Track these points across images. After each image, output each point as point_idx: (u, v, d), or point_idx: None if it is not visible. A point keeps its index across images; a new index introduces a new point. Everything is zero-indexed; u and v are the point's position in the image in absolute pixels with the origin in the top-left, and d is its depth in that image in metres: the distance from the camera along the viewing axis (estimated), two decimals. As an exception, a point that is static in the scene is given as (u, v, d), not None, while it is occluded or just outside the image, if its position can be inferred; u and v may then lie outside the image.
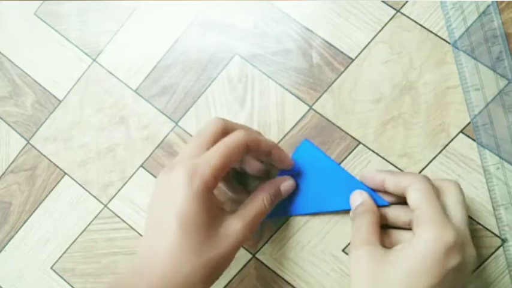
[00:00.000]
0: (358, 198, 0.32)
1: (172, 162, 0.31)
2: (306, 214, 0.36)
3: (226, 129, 0.31)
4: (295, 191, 0.35)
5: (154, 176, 0.39)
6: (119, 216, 0.40)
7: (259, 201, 0.32)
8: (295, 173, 0.35)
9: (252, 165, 0.35)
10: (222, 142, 0.30)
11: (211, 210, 0.29)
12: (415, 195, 0.28)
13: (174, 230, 0.27)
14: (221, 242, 0.29)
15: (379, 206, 0.32)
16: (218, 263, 0.29)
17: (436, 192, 0.29)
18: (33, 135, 0.42)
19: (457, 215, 0.28)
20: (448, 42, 0.35)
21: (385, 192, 0.32)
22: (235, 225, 0.29)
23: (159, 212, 0.29)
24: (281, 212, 0.36)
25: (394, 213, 0.31)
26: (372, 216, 0.30)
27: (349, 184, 0.34)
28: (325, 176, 0.35)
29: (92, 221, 0.40)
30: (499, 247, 0.33)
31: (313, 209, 0.35)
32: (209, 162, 0.28)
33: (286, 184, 0.34)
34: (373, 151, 0.35)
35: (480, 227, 0.34)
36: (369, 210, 0.31)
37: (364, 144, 0.36)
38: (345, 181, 0.34)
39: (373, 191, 0.33)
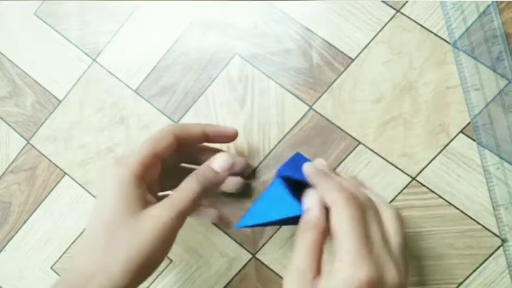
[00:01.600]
0: (308, 202, 0.28)
1: None
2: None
3: (177, 134, 0.31)
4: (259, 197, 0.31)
5: (154, 176, 0.39)
6: (119, 216, 0.40)
7: (185, 184, 0.30)
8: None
9: (231, 182, 0.35)
10: (148, 138, 0.31)
11: (134, 198, 0.28)
12: (336, 220, 0.25)
13: (91, 220, 0.28)
14: (140, 225, 0.27)
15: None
16: (138, 251, 0.26)
17: (367, 211, 0.26)
18: (33, 135, 0.42)
19: (395, 243, 0.26)
20: (448, 42, 0.35)
21: None
22: (154, 210, 0.28)
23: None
24: (248, 221, 0.31)
25: None
26: (316, 235, 0.26)
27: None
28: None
29: (92, 221, 0.40)
30: (499, 247, 0.33)
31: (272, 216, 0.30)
32: (135, 153, 0.29)
33: (219, 159, 0.32)
34: (373, 151, 0.35)
35: (480, 227, 0.34)
36: (314, 227, 0.26)
37: (364, 144, 0.36)
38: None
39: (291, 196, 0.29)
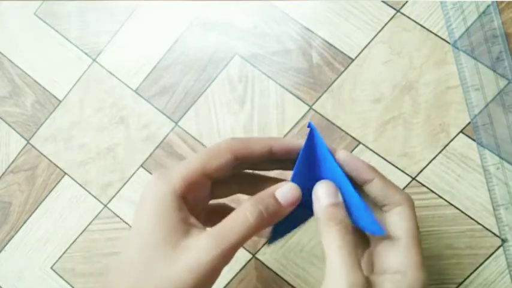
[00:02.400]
0: (330, 196, 0.25)
1: None
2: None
3: (236, 150, 0.26)
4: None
5: (154, 176, 0.39)
6: (118, 216, 0.40)
7: (239, 215, 0.24)
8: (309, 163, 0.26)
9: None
10: (201, 150, 0.26)
11: (172, 222, 0.23)
12: (403, 223, 0.24)
13: (129, 240, 0.24)
14: (179, 257, 0.23)
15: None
16: (175, 282, 0.22)
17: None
18: (33, 135, 0.42)
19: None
20: (448, 42, 0.35)
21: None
22: (201, 243, 0.23)
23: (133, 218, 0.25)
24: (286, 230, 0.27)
25: None
26: (346, 230, 0.24)
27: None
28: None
29: (92, 221, 0.40)
30: (499, 247, 0.33)
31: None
32: (182, 166, 0.25)
33: (285, 189, 0.25)
34: (373, 151, 0.35)
35: (480, 227, 0.34)
36: (341, 221, 0.24)
37: (364, 144, 0.36)
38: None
39: (372, 215, 0.25)
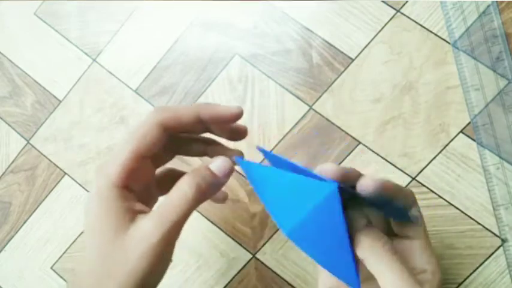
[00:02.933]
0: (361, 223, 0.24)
1: None
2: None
3: (166, 124, 0.26)
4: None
5: (154, 176, 0.39)
6: (118, 216, 0.40)
7: (179, 191, 0.24)
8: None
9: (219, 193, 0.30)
10: (129, 132, 0.25)
11: (117, 215, 0.24)
12: (424, 233, 0.25)
13: (85, 238, 0.25)
14: (129, 246, 0.23)
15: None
16: (131, 275, 0.23)
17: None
18: (33, 135, 0.42)
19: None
20: (448, 42, 0.35)
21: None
22: (144, 226, 0.23)
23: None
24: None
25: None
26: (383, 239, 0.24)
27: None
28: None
29: (92, 221, 0.40)
30: (499, 247, 0.33)
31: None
32: (115, 157, 0.24)
33: (219, 162, 0.26)
34: (373, 151, 0.35)
35: (480, 227, 0.34)
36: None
37: (364, 144, 0.36)
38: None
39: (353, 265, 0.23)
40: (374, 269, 0.23)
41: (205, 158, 0.29)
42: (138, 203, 0.25)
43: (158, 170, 0.29)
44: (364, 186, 0.22)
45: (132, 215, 0.24)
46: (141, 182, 0.26)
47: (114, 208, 0.24)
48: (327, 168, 0.23)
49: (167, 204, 0.24)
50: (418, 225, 0.25)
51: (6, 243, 0.42)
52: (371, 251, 0.23)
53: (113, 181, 0.24)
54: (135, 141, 0.25)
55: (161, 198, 0.29)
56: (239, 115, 0.27)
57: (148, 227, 0.23)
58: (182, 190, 0.24)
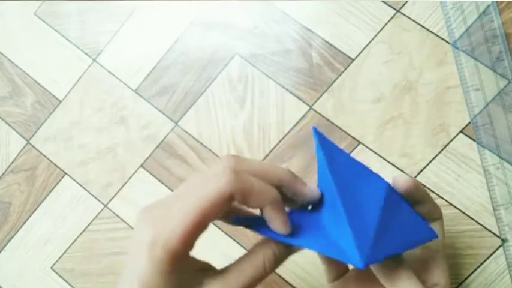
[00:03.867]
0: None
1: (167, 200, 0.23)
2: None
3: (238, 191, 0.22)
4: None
5: (155, 176, 0.39)
6: (119, 216, 0.40)
7: (256, 260, 0.23)
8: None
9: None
10: (193, 195, 0.21)
11: (181, 282, 0.22)
12: (440, 238, 0.25)
13: None
14: None
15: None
16: None
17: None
18: (33, 135, 0.42)
19: None
20: (448, 42, 0.35)
21: None
22: None
23: (126, 266, 0.22)
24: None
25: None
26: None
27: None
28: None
29: (92, 221, 0.40)
30: (499, 247, 0.33)
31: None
32: (176, 226, 0.21)
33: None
34: (373, 151, 0.35)
35: (480, 227, 0.34)
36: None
37: (364, 144, 0.36)
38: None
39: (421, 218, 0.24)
40: (387, 281, 0.23)
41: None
42: (200, 261, 0.23)
43: None
44: (401, 181, 0.23)
45: (198, 276, 0.22)
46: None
47: (179, 280, 0.21)
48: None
49: (239, 270, 0.23)
50: (436, 237, 0.24)
51: (6, 243, 0.42)
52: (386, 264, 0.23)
53: (175, 254, 0.21)
54: (203, 206, 0.21)
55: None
56: (314, 200, 0.25)
57: None
58: (260, 261, 0.23)
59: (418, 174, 0.35)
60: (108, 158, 0.40)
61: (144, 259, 0.21)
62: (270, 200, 0.23)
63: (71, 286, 0.40)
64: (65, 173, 0.41)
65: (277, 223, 0.23)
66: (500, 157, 0.34)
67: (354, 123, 0.36)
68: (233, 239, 0.38)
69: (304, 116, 0.37)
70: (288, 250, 0.24)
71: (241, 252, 0.37)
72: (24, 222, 0.42)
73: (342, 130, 0.36)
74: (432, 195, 0.34)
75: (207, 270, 0.23)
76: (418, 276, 0.23)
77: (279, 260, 0.24)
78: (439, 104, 0.35)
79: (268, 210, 0.23)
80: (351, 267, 0.29)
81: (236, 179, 0.21)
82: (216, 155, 0.38)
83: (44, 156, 0.42)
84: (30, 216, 0.42)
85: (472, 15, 0.34)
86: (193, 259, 0.23)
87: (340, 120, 0.36)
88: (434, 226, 0.26)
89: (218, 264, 0.37)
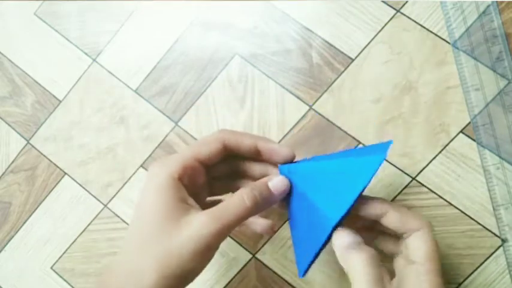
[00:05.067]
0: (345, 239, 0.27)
1: None
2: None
3: (226, 142, 0.29)
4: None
5: (154, 176, 0.39)
6: (119, 216, 0.40)
7: (237, 198, 0.27)
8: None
9: (261, 223, 0.33)
10: (196, 140, 0.29)
11: (170, 200, 0.26)
12: (423, 247, 0.26)
13: (132, 220, 0.27)
14: (179, 233, 0.25)
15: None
16: (174, 258, 0.25)
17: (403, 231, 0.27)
18: (33, 135, 0.42)
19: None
20: (448, 42, 0.35)
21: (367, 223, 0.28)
22: (199, 219, 0.25)
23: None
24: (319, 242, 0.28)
25: (383, 243, 0.29)
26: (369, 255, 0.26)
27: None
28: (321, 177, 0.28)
29: (92, 221, 0.40)
30: (499, 247, 0.33)
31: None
32: (178, 155, 0.28)
33: (276, 181, 0.29)
34: (373, 151, 0.35)
35: (480, 227, 0.34)
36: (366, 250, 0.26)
37: (364, 144, 0.36)
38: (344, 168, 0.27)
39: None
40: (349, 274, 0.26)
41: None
42: (191, 198, 0.28)
43: (209, 198, 0.32)
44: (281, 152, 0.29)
45: (186, 205, 0.27)
46: (195, 184, 0.29)
47: (171, 194, 0.26)
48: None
49: (223, 206, 0.26)
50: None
51: (6, 243, 0.42)
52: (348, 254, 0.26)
53: (171, 171, 0.27)
54: (196, 147, 0.28)
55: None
56: (291, 158, 0.30)
57: (204, 219, 0.25)
58: (240, 198, 0.27)
59: (418, 174, 0.35)
60: (108, 158, 0.40)
61: (148, 179, 0.27)
62: (257, 136, 0.30)
63: (71, 286, 0.40)
64: (65, 173, 0.41)
65: (278, 149, 0.29)
66: (500, 157, 0.34)
67: (354, 123, 0.36)
68: (233, 238, 0.38)
69: (304, 116, 0.37)
70: (268, 193, 0.28)
71: (240, 250, 0.37)
72: (24, 222, 0.42)
73: (342, 130, 0.36)
74: (432, 195, 0.34)
75: (194, 203, 0.27)
76: None
77: (260, 202, 0.27)
78: (439, 104, 0.35)
79: (262, 143, 0.29)
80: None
81: (224, 131, 0.29)
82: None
83: (44, 156, 0.42)
84: (30, 216, 0.42)
85: (472, 15, 0.34)
86: (187, 196, 0.27)
87: (340, 120, 0.36)
88: (414, 239, 0.26)
89: (218, 265, 0.37)
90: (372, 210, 0.27)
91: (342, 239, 0.26)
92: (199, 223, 0.25)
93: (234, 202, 0.27)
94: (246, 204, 0.27)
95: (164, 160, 0.28)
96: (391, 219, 0.27)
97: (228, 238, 0.37)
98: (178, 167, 0.27)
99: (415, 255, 0.26)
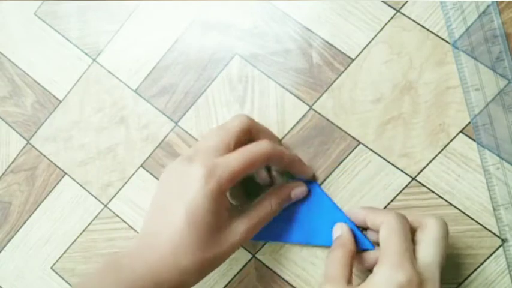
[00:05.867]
0: (337, 232, 0.33)
1: (192, 151, 0.31)
2: (293, 243, 0.36)
3: (250, 129, 0.32)
4: (288, 218, 0.35)
5: (155, 176, 0.39)
6: (119, 216, 0.40)
7: (266, 204, 0.32)
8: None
9: (261, 176, 0.35)
10: (246, 149, 0.30)
11: (220, 211, 0.29)
12: (383, 233, 0.29)
13: (181, 222, 0.28)
14: (223, 243, 0.29)
15: (363, 250, 0.32)
16: (215, 262, 0.30)
17: (414, 229, 0.30)
18: (33, 135, 0.42)
19: (429, 252, 0.28)
20: (448, 42, 0.35)
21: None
22: (240, 228, 0.30)
23: (169, 198, 0.30)
24: (269, 237, 0.36)
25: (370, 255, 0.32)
26: (345, 251, 0.31)
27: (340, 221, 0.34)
28: (320, 211, 0.35)
29: (91, 221, 0.40)
30: (499, 247, 0.33)
31: (301, 239, 0.35)
32: (229, 166, 0.29)
33: (298, 190, 0.34)
34: (373, 151, 0.35)
35: (480, 227, 0.34)
36: (342, 245, 0.31)
37: (364, 144, 0.36)
38: (338, 219, 0.34)
39: (360, 232, 0.33)
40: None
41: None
42: (228, 201, 0.32)
43: None
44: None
45: (229, 215, 0.30)
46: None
47: (219, 209, 0.29)
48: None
49: (256, 214, 0.31)
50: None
51: (6, 243, 0.42)
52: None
53: (222, 187, 0.29)
54: (252, 161, 0.30)
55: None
56: (310, 175, 0.36)
57: (242, 230, 0.30)
58: (268, 205, 0.32)
59: (418, 174, 0.35)
60: (108, 158, 0.40)
61: (198, 187, 0.28)
62: (295, 157, 0.34)
63: (71, 286, 0.40)
64: (65, 173, 0.41)
65: (305, 170, 0.35)
66: (500, 157, 0.34)
67: (354, 123, 0.36)
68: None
69: (304, 116, 0.37)
70: (289, 200, 0.34)
71: (240, 250, 0.37)
72: (24, 222, 0.42)
73: (342, 130, 0.36)
74: (432, 195, 0.34)
75: (231, 209, 0.31)
76: None
77: (282, 207, 0.33)
78: (439, 104, 0.35)
79: (297, 164, 0.34)
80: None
81: (273, 145, 0.31)
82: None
83: (44, 156, 0.42)
84: (30, 216, 0.42)
85: (472, 15, 0.34)
86: (228, 202, 0.31)
87: (340, 120, 0.36)
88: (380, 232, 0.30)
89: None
90: (357, 219, 0.33)
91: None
92: (240, 234, 0.30)
93: (263, 209, 0.32)
94: (273, 210, 0.32)
95: (217, 166, 0.29)
96: (368, 220, 0.32)
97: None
98: (230, 184, 0.29)
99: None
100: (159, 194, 0.31)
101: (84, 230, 0.40)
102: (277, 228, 0.35)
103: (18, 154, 0.42)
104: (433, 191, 0.34)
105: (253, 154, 0.30)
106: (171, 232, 0.28)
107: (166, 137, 0.39)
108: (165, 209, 0.30)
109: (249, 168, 0.30)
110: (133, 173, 0.40)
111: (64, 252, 0.41)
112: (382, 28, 0.36)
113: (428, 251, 0.28)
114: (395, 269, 0.26)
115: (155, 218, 0.30)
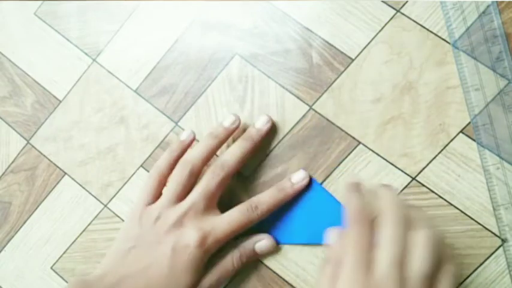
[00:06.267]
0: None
1: (156, 207, 0.34)
2: (294, 243, 0.36)
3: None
4: (289, 219, 0.36)
5: (154, 176, 0.39)
6: (118, 216, 0.40)
7: (227, 261, 0.34)
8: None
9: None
10: (236, 210, 0.33)
11: (201, 269, 0.33)
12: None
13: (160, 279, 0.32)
14: None
15: None
16: None
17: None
18: (33, 135, 0.42)
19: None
20: (448, 42, 0.35)
21: None
22: (204, 284, 0.33)
23: (161, 251, 0.32)
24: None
25: None
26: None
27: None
28: (321, 210, 0.35)
29: (91, 221, 0.40)
30: (499, 247, 0.33)
31: (303, 240, 0.36)
32: (217, 231, 0.32)
33: (262, 244, 0.35)
34: (373, 151, 0.35)
35: (480, 227, 0.34)
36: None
37: (364, 144, 0.36)
38: (338, 217, 0.33)
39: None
40: None
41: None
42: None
43: None
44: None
45: (203, 270, 0.33)
46: None
47: (199, 270, 0.32)
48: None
49: (218, 271, 0.34)
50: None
51: (6, 243, 0.42)
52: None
53: (210, 252, 0.33)
54: (237, 229, 0.33)
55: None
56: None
57: (207, 284, 0.33)
58: (230, 261, 0.34)
59: (418, 174, 0.35)
60: (108, 158, 0.40)
61: (193, 251, 0.32)
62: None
63: None
64: (65, 173, 0.41)
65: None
66: (500, 157, 0.34)
67: (354, 123, 0.36)
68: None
69: (304, 116, 0.37)
70: (253, 255, 0.35)
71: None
72: (24, 222, 0.42)
73: (342, 130, 0.36)
74: (432, 195, 0.34)
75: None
76: None
77: (244, 261, 0.34)
78: (439, 104, 0.35)
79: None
80: None
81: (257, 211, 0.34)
82: (216, 155, 0.38)
83: (44, 156, 0.42)
84: (30, 216, 0.42)
85: (472, 15, 0.34)
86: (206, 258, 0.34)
87: (340, 120, 0.36)
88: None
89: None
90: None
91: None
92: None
93: (224, 266, 0.34)
94: (234, 268, 0.34)
95: (208, 234, 0.32)
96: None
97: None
98: (218, 246, 0.33)
99: None
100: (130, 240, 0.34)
101: (84, 230, 0.40)
102: (279, 229, 0.35)
103: (18, 154, 0.42)
104: (433, 191, 0.34)
105: (241, 215, 0.33)
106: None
107: (166, 137, 0.39)
108: (153, 258, 0.32)
109: (236, 231, 0.33)
110: (134, 173, 0.40)
111: (64, 252, 0.41)
112: (382, 28, 0.36)
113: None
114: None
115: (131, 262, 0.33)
